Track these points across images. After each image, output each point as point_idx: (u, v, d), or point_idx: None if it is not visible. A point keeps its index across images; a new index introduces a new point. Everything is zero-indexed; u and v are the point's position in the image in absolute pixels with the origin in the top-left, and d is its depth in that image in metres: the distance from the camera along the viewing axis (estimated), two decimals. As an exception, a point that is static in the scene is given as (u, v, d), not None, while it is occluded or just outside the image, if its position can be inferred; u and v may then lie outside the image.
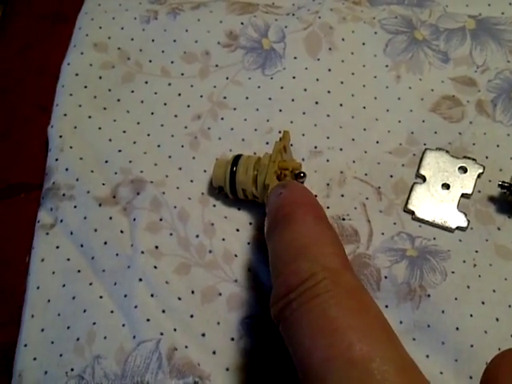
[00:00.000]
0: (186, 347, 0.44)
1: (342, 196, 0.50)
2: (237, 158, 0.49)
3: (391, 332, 0.34)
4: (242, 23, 0.57)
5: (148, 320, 0.45)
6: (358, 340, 0.31)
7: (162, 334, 0.44)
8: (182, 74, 0.56)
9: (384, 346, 0.32)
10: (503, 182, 0.48)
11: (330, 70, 0.55)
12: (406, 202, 0.50)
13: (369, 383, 0.30)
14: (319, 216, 0.40)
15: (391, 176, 0.51)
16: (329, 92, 0.54)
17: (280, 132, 0.50)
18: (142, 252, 0.47)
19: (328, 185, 0.51)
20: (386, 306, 0.46)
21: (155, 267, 0.46)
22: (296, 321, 0.34)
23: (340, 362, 0.31)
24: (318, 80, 0.55)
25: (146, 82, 0.55)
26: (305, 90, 0.54)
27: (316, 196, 0.50)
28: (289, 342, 0.35)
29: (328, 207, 0.50)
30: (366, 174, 0.51)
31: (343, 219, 0.49)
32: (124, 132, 0.53)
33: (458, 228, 0.49)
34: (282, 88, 0.54)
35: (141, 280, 0.46)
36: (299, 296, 0.34)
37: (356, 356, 0.31)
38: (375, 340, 0.32)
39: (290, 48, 0.56)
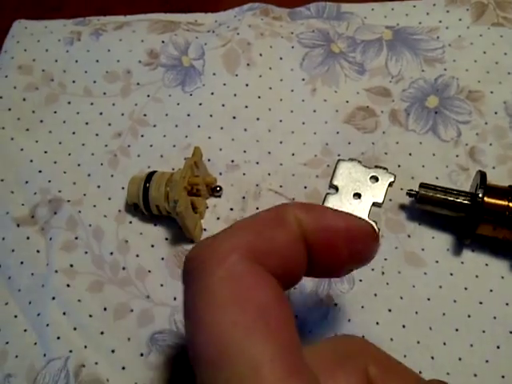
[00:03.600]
0: (96, 363, 0.45)
1: (257, 209, 0.51)
2: (150, 174, 0.50)
3: None
4: (162, 42, 0.58)
5: (58, 338, 0.46)
6: None
7: (71, 351, 0.45)
8: (104, 93, 0.57)
9: None
10: (411, 190, 0.49)
11: (247, 85, 0.56)
12: (319, 213, 0.50)
13: None
14: None
15: (305, 187, 0.52)
16: (246, 107, 0.55)
17: (198, 147, 0.51)
18: (56, 271, 0.48)
19: (244, 198, 0.52)
20: (296, 316, 0.46)
21: (68, 285, 0.47)
22: None
23: None
24: (235, 95, 0.55)
25: (69, 103, 0.56)
26: (223, 105, 0.55)
27: (232, 209, 0.51)
28: None
29: (243, 220, 0.50)
30: (281, 186, 0.52)
31: (257, 232, 0.50)
32: (45, 152, 0.54)
33: (368, 237, 0.49)
34: (200, 104, 0.55)
35: (54, 298, 0.47)
36: None
37: None
38: None
39: (209, 65, 0.57)
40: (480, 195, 0.46)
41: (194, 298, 0.26)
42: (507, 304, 0.47)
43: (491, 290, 0.47)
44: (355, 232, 0.31)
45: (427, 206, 0.49)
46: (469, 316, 0.46)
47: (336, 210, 0.32)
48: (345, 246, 0.30)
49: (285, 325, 0.26)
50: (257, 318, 0.24)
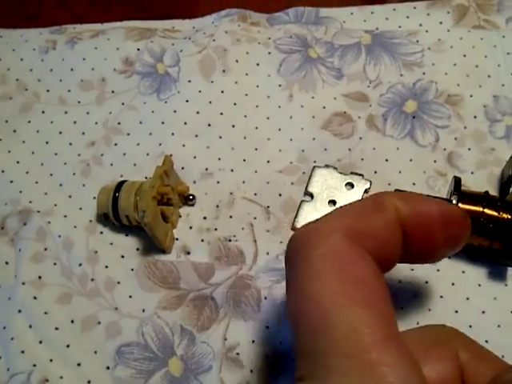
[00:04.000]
0: (61, 378, 0.44)
1: (231, 217, 0.50)
2: (120, 184, 0.49)
3: None
4: (138, 49, 0.57)
5: (22, 352, 0.45)
6: None
7: (34, 365, 0.44)
8: (79, 102, 0.56)
9: None
10: (385, 196, 0.47)
11: (223, 91, 0.55)
12: (294, 220, 0.49)
13: None
14: None
15: (280, 195, 0.51)
16: (221, 114, 0.54)
17: (171, 155, 0.50)
18: (23, 283, 0.47)
19: (217, 206, 0.51)
20: (267, 327, 0.46)
21: (35, 298, 0.46)
22: None
23: None
24: (210, 102, 0.54)
25: (43, 112, 0.55)
26: (197, 112, 0.54)
27: (205, 218, 0.50)
28: None
29: (216, 229, 0.50)
30: (255, 194, 0.51)
31: (229, 240, 0.49)
32: (18, 162, 0.53)
33: (343, 244, 0.48)
34: (175, 112, 0.54)
35: (20, 311, 0.46)
36: None
37: None
38: None
39: (185, 71, 0.56)
40: (454, 201, 0.44)
41: (297, 272, 0.27)
42: (483, 312, 0.46)
43: (467, 298, 0.46)
44: (449, 217, 0.32)
45: (402, 213, 0.47)
46: (443, 325, 0.45)
47: (429, 196, 0.34)
48: (440, 231, 0.32)
49: (382, 298, 0.27)
50: (356, 288, 0.26)
